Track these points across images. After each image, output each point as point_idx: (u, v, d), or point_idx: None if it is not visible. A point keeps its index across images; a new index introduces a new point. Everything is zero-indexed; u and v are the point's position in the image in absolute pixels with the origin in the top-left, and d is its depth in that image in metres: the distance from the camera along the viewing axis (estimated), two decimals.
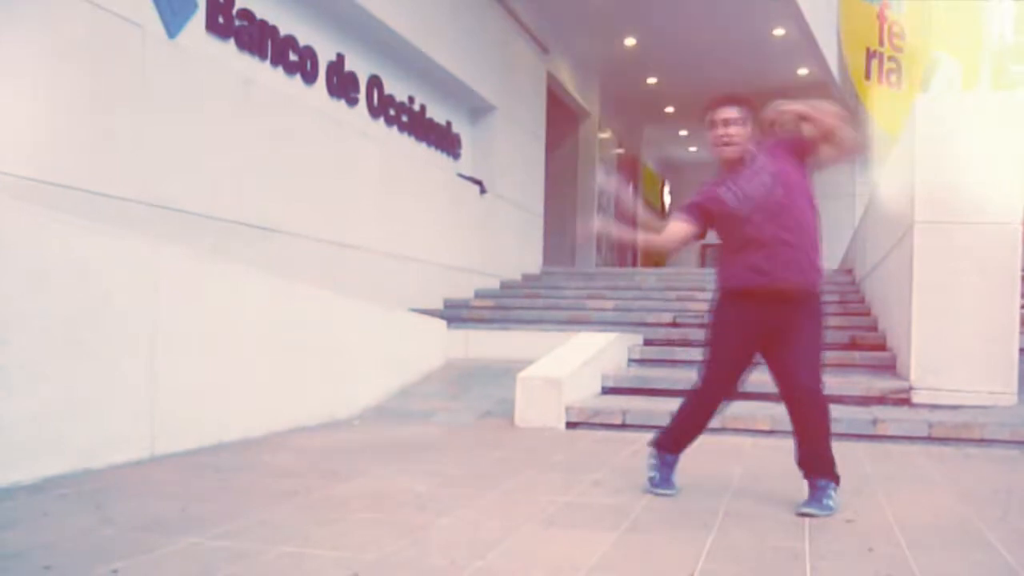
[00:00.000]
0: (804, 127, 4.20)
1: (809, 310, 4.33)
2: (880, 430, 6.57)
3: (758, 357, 4.41)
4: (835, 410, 6.87)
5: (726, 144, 4.31)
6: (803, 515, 4.08)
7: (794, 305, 4.26)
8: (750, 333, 4.35)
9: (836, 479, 4.26)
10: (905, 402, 7.37)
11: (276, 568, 3.16)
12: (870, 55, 21.27)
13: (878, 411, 6.99)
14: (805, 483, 4.29)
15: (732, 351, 4.41)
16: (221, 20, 8.62)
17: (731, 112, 4.28)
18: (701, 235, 4.51)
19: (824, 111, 4.14)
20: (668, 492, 4.54)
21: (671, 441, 4.62)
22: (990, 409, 7.07)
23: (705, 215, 4.44)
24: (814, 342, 4.34)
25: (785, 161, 4.29)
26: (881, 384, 7.60)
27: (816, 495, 4.19)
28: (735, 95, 4.36)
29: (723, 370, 4.47)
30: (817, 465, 4.28)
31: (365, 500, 4.29)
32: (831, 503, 4.16)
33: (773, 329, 4.29)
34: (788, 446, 6.13)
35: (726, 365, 4.45)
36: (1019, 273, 7.29)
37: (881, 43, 21.53)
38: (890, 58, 21.68)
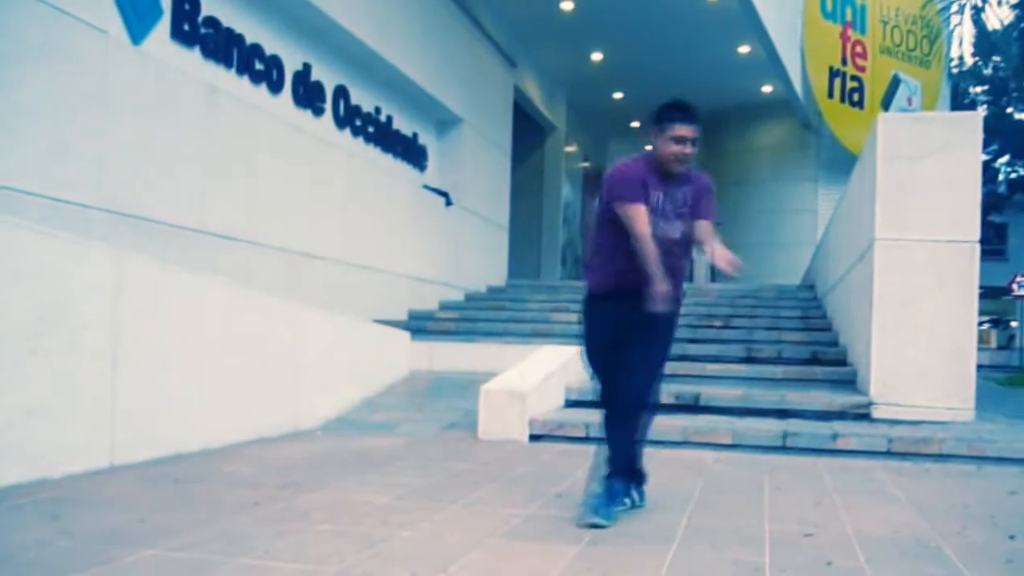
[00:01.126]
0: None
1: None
2: (840, 444, 6.61)
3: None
4: (796, 424, 6.95)
5: (681, 162, 4.34)
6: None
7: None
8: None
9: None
10: (865, 417, 7.43)
11: None
12: (833, 74, 21.52)
13: (839, 426, 7.04)
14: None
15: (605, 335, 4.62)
16: (187, 27, 8.57)
17: (694, 131, 4.31)
18: None
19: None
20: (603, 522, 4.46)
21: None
22: (949, 424, 7.15)
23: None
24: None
25: (689, 203, 4.42)
26: (842, 399, 7.66)
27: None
28: (696, 111, 4.37)
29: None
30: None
31: (326, 512, 4.27)
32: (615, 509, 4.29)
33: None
34: (749, 460, 6.19)
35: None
36: (977, 290, 7.38)
37: (844, 62, 21.80)
38: (852, 77, 21.94)
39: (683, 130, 4.28)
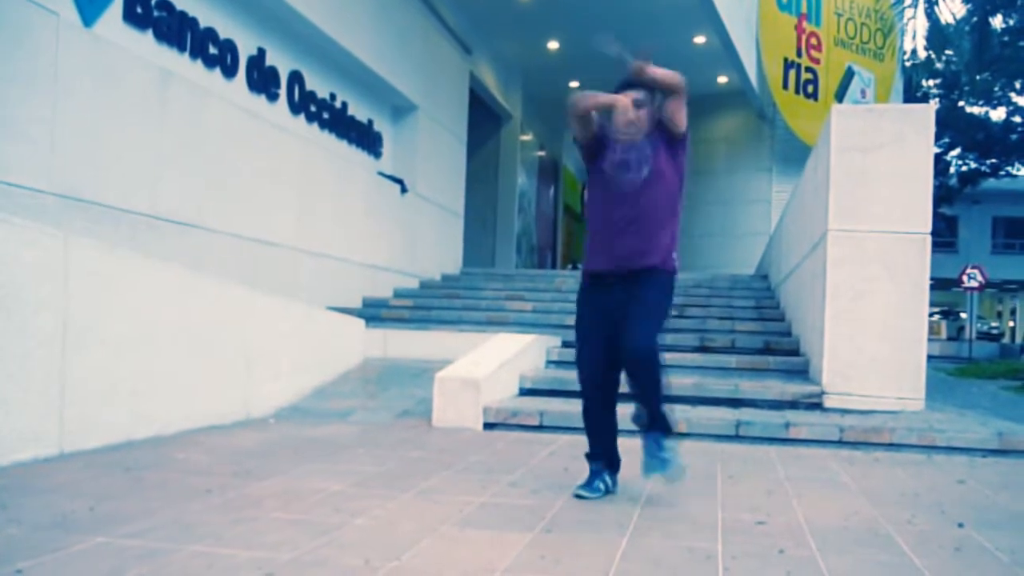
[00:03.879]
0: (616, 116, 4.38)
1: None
2: (793, 434, 6.67)
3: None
4: (749, 413, 7.00)
5: (632, 128, 4.42)
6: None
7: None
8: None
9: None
10: (817, 406, 7.51)
11: (188, 568, 3.11)
12: (788, 65, 21.70)
13: (791, 415, 7.10)
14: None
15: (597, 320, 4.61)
16: (139, 10, 8.45)
17: (639, 94, 4.43)
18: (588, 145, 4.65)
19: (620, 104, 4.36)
20: (591, 495, 4.55)
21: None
22: (899, 414, 7.23)
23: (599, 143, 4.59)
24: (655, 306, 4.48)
25: (658, 147, 4.47)
26: (794, 388, 7.73)
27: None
28: (639, 80, 4.44)
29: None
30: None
31: (279, 499, 4.24)
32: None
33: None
34: (703, 448, 6.23)
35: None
36: (928, 282, 7.47)
37: (798, 54, 21.98)
38: (807, 69, 22.13)
39: (630, 94, 4.47)
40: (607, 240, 4.49)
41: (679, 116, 4.41)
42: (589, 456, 4.70)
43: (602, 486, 4.59)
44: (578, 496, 4.52)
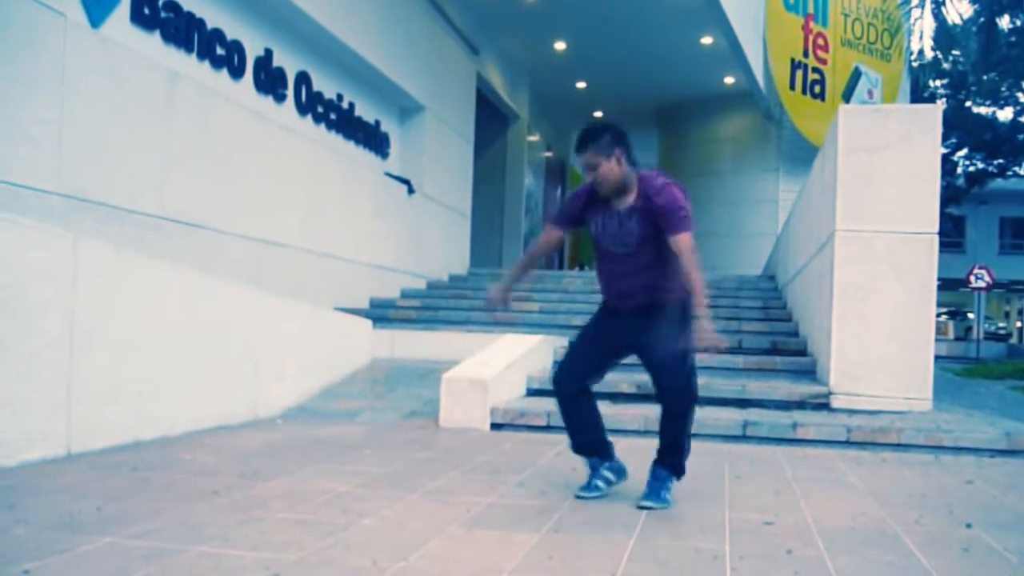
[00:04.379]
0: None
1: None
2: (800, 434, 6.65)
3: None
4: (756, 414, 6.99)
5: (599, 187, 4.39)
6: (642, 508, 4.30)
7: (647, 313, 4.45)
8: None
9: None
10: (824, 407, 7.50)
11: (194, 568, 3.12)
12: (794, 66, 21.65)
13: (798, 415, 7.09)
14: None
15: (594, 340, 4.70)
16: (147, 12, 8.46)
17: (585, 159, 4.36)
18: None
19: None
20: (593, 495, 4.56)
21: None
22: (906, 414, 7.22)
23: (574, 219, 4.67)
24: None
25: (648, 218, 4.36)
26: (801, 389, 7.71)
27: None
28: (586, 137, 4.36)
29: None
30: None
31: (286, 500, 4.24)
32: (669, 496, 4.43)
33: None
34: (709, 448, 6.22)
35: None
36: (935, 282, 7.45)
37: (805, 54, 21.93)
38: (814, 69, 22.08)
39: (581, 160, 4.39)
40: (610, 283, 4.57)
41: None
42: (576, 451, 4.72)
43: (602, 484, 4.59)
44: (579, 498, 4.52)
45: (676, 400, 4.48)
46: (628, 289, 4.46)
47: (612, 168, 4.30)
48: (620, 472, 4.67)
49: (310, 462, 5.34)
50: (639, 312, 4.44)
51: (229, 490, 4.44)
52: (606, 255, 4.52)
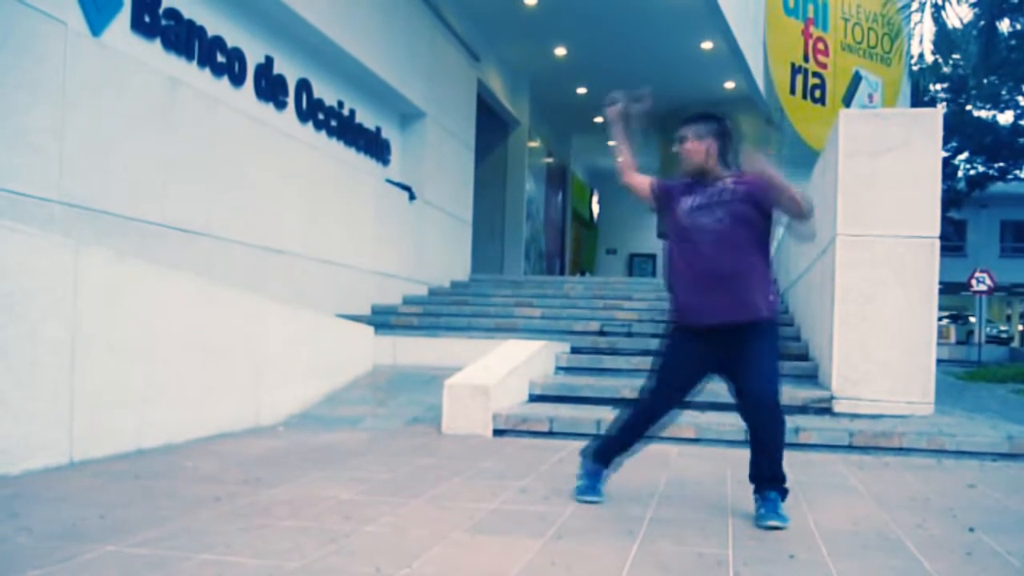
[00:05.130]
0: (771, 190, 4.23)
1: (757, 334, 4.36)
2: (802, 439, 6.65)
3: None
4: None
5: (684, 162, 4.45)
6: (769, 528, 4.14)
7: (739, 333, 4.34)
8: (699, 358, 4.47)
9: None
10: (826, 411, 7.50)
11: None
12: (794, 70, 21.65)
13: (800, 420, 7.08)
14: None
15: (680, 373, 4.54)
16: (147, 19, 8.47)
17: (682, 131, 4.45)
18: (653, 207, 4.70)
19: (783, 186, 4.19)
20: (595, 500, 4.56)
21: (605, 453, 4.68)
22: (908, 418, 7.22)
23: (664, 196, 4.60)
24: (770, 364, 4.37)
25: (745, 200, 4.32)
26: (803, 394, 7.71)
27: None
28: (699, 114, 4.50)
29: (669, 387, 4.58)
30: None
31: (289, 507, 4.24)
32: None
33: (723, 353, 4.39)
34: (713, 454, 6.22)
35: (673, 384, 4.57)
36: (937, 286, 7.45)
37: (805, 59, 21.94)
38: (814, 74, 22.08)
39: (678, 132, 4.47)
40: (697, 298, 4.39)
41: (793, 207, 4.24)
42: (597, 454, 4.69)
43: (602, 488, 4.63)
44: (585, 502, 4.52)
45: (771, 422, 4.35)
46: (723, 305, 4.30)
47: (698, 149, 4.40)
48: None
49: (312, 469, 5.34)
50: (729, 333, 4.33)
51: (232, 497, 4.44)
52: (693, 252, 4.39)
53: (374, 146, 13.60)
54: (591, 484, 4.63)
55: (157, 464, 5.38)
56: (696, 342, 4.43)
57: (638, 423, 4.62)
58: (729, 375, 4.42)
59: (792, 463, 5.92)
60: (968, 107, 35.60)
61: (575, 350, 10.01)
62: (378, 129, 13.73)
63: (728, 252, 4.30)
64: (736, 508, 4.49)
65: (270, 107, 10.72)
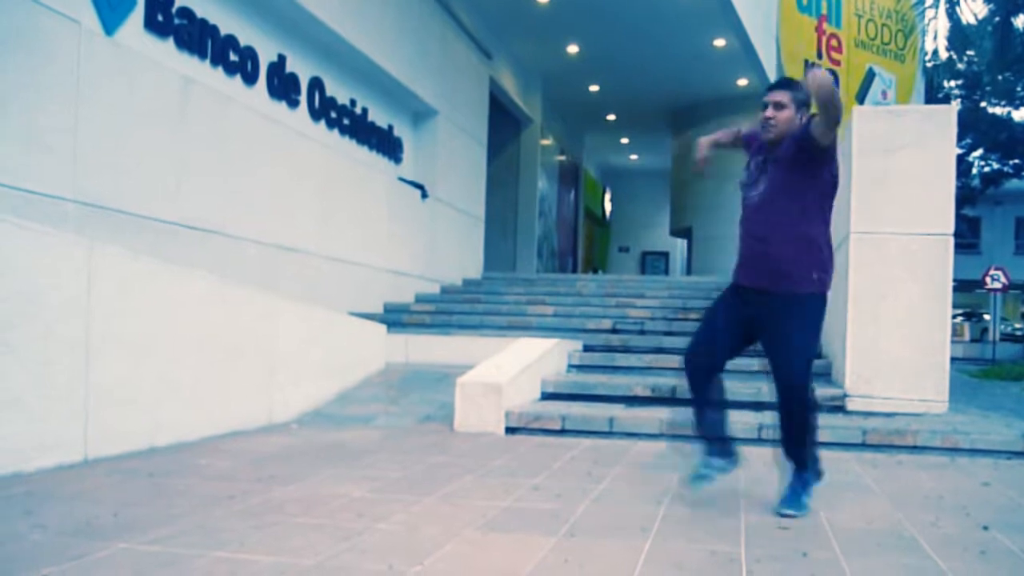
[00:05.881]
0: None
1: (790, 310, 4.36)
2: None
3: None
4: (771, 417, 6.93)
5: (765, 127, 4.43)
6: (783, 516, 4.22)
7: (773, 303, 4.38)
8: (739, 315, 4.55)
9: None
10: (840, 409, 7.47)
11: (211, 574, 3.12)
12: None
13: None
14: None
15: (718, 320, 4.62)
16: (160, 18, 8.50)
17: (778, 96, 4.40)
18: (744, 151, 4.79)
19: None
20: (710, 474, 4.60)
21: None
22: (922, 416, 7.19)
23: (746, 146, 4.75)
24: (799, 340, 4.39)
25: (786, 159, 4.33)
26: (817, 391, 7.67)
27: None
28: (789, 80, 4.52)
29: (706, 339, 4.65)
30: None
31: (302, 505, 4.25)
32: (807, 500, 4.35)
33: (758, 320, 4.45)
34: None
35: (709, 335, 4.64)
36: (951, 283, 7.42)
37: (819, 55, 21.83)
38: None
39: (767, 96, 4.43)
40: (746, 257, 4.50)
41: (818, 131, 4.16)
42: (700, 434, 4.69)
43: (714, 473, 4.61)
44: (697, 483, 4.58)
45: (789, 400, 4.41)
46: (766, 269, 4.36)
47: (791, 118, 4.36)
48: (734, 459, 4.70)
49: (325, 467, 5.35)
50: (770, 299, 4.37)
51: (245, 495, 4.45)
52: (745, 214, 4.49)
53: (386, 144, 13.61)
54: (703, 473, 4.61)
55: (170, 462, 5.39)
56: (737, 297, 4.55)
57: (693, 381, 4.64)
58: (764, 347, 4.48)
59: None
60: (983, 104, 35.39)
61: (588, 348, 10.01)
62: (390, 127, 13.74)
63: (769, 222, 4.36)
64: (749, 506, 4.49)
65: (283, 105, 10.74)
